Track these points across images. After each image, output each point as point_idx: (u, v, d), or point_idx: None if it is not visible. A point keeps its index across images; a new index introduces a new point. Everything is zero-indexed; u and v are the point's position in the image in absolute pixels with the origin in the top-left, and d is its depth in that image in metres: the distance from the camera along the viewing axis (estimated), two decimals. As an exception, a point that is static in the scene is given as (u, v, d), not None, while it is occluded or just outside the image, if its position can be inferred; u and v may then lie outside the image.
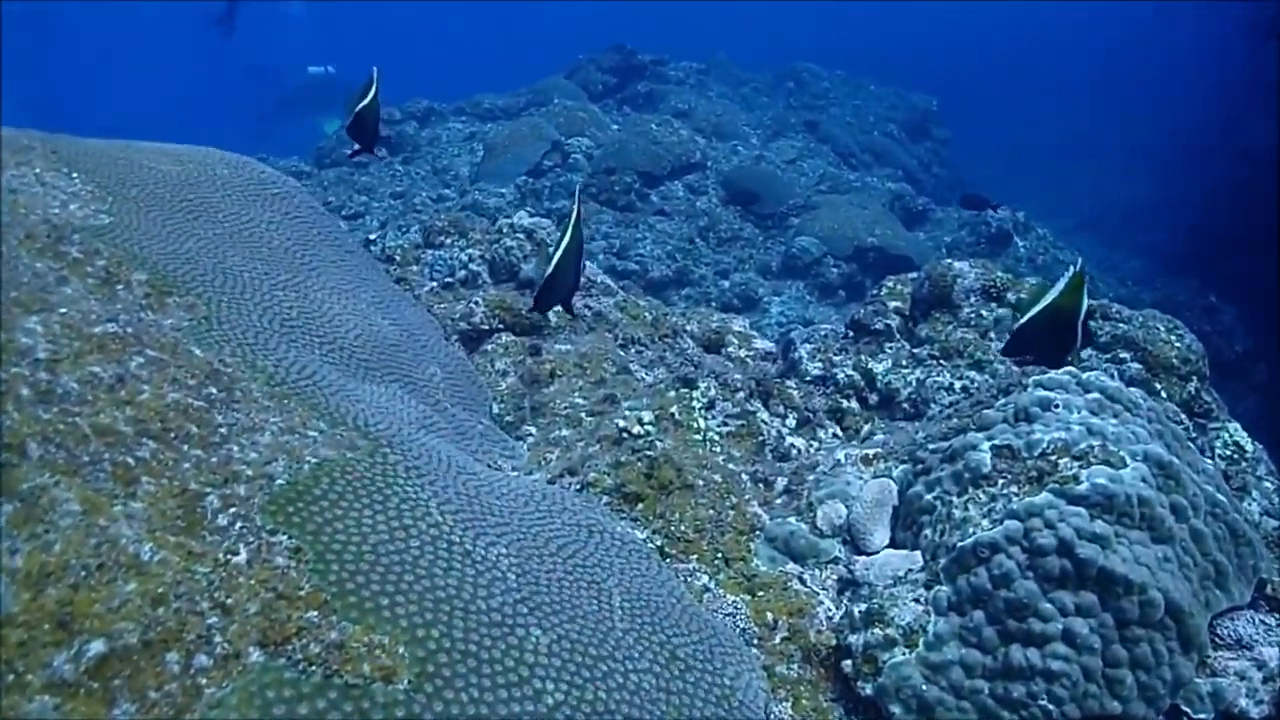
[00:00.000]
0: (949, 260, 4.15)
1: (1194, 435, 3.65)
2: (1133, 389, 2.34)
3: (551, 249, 2.84)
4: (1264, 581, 2.22)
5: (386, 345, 2.61)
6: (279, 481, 1.64)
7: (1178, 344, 3.72)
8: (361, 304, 2.72)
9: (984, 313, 4.01)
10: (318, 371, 2.16)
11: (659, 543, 2.23)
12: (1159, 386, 3.74)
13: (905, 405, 3.87)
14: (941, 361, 3.95)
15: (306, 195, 3.11)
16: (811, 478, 2.43)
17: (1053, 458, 2.10)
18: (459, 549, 1.68)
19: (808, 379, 3.94)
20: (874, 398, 3.97)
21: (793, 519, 2.32)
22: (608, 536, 2.09)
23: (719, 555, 2.26)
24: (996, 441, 2.18)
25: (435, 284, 4.71)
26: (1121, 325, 4.02)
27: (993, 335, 3.97)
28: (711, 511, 2.34)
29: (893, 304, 4.29)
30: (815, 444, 3.20)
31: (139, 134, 2.99)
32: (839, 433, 3.35)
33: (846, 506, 2.29)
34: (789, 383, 3.35)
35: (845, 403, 3.94)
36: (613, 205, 9.97)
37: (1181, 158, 14.65)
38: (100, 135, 2.84)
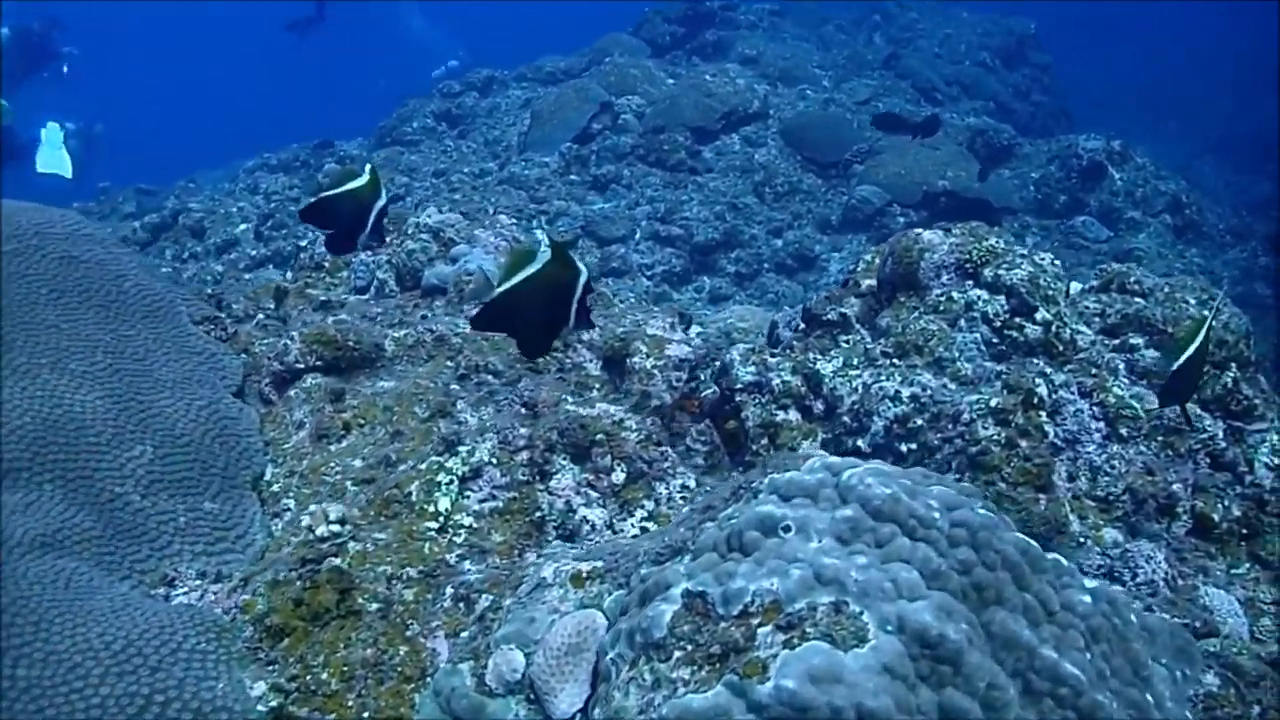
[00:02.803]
0: (917, 230, 3.32)
1: (1224, 445, 2.73)
2: (933, 491, 1.55)
3: (508, 268, 2.02)
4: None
5: (66, 430, 2.21)
6: None
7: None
8: (63, 378, 2.34)
9: (955, 295, 3.19)
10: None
11: (278, 701, 1.72)
12: (1183, 376, 2.84)
13: (846, 418, 3.14)
14: (895, 360, 3.17)
15: (66, 241, 2.75)
16: (508, 602, 1.82)
17: (755, 622, 1.39)
18: None
19: (738, 386, 3.28)
20: (819, 405, 3.25)
21: (465, 665, 1.73)
22: (174, 709, 1.61)
23: (365, 716, 1.72)
24: (690, 586, 1.49)
25: (355, 293, 4.34)
26: (1137, 300, 3.06)
27: (962, 324, 3.14)
28: (372, 650, 1.79)
29: (865, 283, 3.50)
30: (650, 504, 2.54)
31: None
32: (691, 485, 2.65)
33: (526, 654, 1.68)
34: (629, 422, 2.69)
35: (781, 414, 3.25)
36: (662, 165, 9.30)
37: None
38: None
